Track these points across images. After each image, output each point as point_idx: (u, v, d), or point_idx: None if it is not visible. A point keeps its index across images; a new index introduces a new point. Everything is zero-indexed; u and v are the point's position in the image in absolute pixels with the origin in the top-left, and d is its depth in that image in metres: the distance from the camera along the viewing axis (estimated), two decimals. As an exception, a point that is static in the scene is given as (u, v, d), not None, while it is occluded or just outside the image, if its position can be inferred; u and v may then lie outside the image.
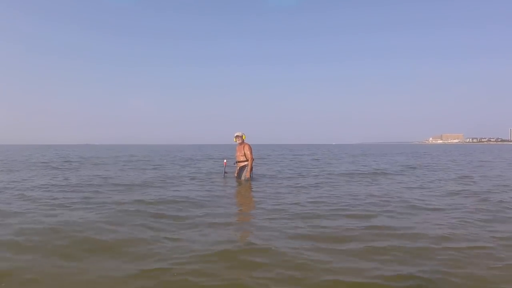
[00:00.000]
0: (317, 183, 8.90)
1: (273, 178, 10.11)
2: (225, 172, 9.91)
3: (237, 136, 9.10)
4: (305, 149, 50.46)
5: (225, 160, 10.30)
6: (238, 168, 9.28)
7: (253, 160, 9.12)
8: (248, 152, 8.92)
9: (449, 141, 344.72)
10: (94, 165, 15.43)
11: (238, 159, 9.21)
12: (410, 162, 18.08)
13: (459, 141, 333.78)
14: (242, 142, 9.09)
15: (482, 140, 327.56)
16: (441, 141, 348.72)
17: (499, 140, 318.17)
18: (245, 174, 9.00)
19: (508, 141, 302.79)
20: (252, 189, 7.75)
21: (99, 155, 28.35)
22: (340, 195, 6.80)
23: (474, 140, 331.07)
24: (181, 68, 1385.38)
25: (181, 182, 9.06)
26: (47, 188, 7.78)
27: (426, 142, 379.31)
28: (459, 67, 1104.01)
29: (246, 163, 9.03)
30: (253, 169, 9.38)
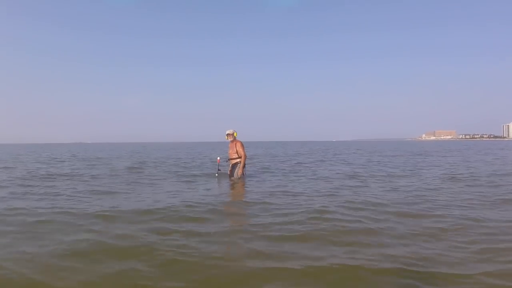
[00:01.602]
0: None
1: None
2: (218, 170, 9.95)
3: (228, 134, 9.17)
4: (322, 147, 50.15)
5: (218, 158, 10.37)
6: (230, 165, 9.32)
7: (246, 157, 9.14)
8: (240, 149, 8.95)
9: (442, 137, 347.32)
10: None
11: (230, 157, 9.27)
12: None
13: (452, 138, 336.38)
14: (234, 139, 9.14)
15: (475, 136, 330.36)
16: (434, 138, 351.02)
17: (491, 136, 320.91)
18: (237, 171, 9.04)
19: (500, 137, 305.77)
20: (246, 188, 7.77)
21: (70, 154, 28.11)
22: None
23: (467, 137, 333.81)
24: (178, 68, 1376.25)
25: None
26: None
27: (419, 138, 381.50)
28: (452, 65, 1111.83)
29: (238, 160, 9.08)
30: (246, 166, 9.42)
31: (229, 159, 9.34)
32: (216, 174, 9.82)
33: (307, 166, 13.71)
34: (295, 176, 10.14)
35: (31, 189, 7.72)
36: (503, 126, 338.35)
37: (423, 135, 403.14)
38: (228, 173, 9.35)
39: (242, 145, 8.99)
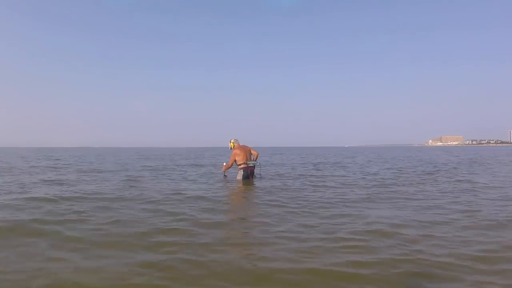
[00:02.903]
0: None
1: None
2: (224, 175, 10.38)
3: (231, 148, 9.91)
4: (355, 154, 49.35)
5: (224, 163, 10.64)
6: (242, 170, 9.69)
7: (229, 164, 9.77)
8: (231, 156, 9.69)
9: (449, 143, 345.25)
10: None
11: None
12: None
13: (458, 143, 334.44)
14: (231, 149, 9.87)
15: (482, 142, 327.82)
16: (440, 143, 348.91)
17: (498, 142, 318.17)
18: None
19: (507, 143, 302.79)
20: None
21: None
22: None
23: (474, 142, 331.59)
24: (182, 71, 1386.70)
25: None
26: None
27: (426, 144, 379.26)
28: (458, 69, 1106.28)
29: (244, 165, 9.55)
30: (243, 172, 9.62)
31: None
32: (223, 178, 10.26)
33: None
34: None
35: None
36: (510, 131, 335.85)
37: (430, 141, 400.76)
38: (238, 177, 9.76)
39: (233, 153, 9.52)
